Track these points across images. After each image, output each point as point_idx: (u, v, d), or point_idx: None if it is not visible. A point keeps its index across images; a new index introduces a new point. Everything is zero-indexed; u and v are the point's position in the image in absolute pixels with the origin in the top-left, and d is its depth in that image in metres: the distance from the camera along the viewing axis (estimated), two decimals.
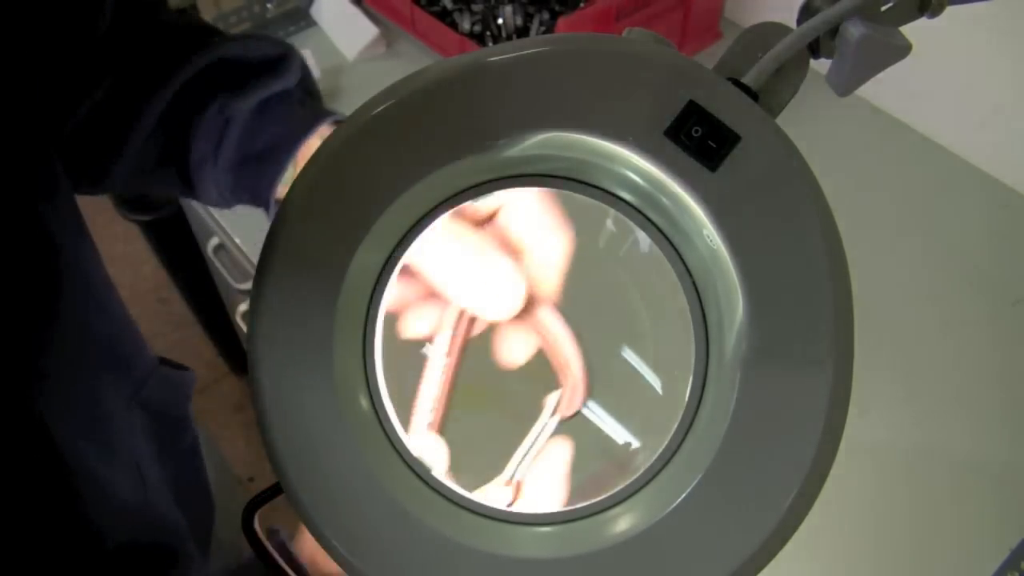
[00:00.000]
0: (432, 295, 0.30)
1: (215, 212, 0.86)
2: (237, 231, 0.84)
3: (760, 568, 0.25)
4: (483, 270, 0.28)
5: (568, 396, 0.28)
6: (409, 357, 0.30)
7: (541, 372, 0.29)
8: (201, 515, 0.55)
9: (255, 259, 0.38)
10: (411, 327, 0.29)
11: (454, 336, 0.28)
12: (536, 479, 0.28)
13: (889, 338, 0.70)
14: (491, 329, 0.29)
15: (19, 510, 0.34)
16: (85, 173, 0.44)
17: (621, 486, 0.27)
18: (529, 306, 0.28)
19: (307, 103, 0.47)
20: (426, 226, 0.27)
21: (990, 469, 0.64)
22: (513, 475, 0.28)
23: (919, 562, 0.60)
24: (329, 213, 0.26)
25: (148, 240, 1.22)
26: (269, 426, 0.26)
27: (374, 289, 0.27)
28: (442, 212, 0.27)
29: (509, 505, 0.28)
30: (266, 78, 0.45)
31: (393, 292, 0.28)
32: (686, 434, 0.26)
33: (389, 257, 0.27)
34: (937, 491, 0.63)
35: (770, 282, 0.24)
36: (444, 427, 0.29)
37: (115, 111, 0.42)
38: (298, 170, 0.35)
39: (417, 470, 0.27)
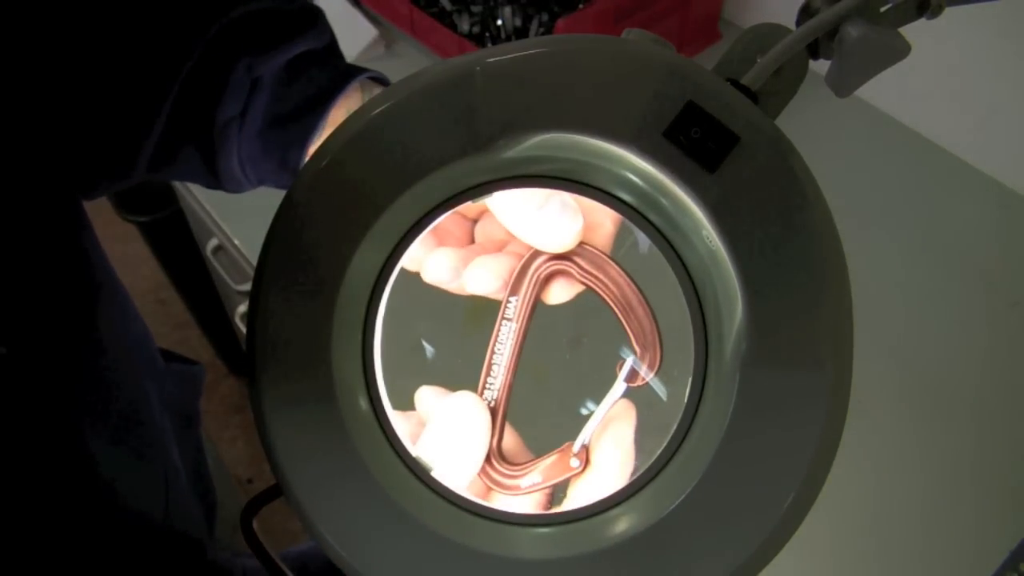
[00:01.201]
0: (498, 248, 0.30)
1: (215, 213, 0.86)
2: (236, 232, 0.84)
3: (759, 569, 0.25)
4: (543, 203, 0.28)
5: (646, 359, 0.28)
6: (409, 357, 0.30)
7: (606, 341, 0.29)
8: (206, 510, 0.55)
9: (254, 260, 0.38)
10: (477, 280, 0.29)
11: (523, 300, 0.28)
12: (606, 447, 0.27)
13: (889, 338, 0.70)
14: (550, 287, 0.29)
15: (57, 522, 0.35)
16: (116, 152, 0.42)
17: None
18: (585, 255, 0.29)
19: (337, 62, 0.44)
20: (426, 226, 0.27)
21: (989, 469, 0.63)
22: (584, 443, 0.28)
23: (919, 563, 0.60)
24: (329, 214, 0.26)
25: (147, 241, 1.23)
26: (268, 427, 0.26)
27: (374, 289, 0.27)
28: (441, 213, 0.27)
29: (579, 475, 0.28)
30: (295, 35, 0.42)
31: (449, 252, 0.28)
32: (685, 435, 0.26)
33: (389, 257, 0.27)
34: (936, 492, 0.63)
35: (769, 283, 0.24)
36: (511, 394, 0.29)
37: (143, 76, 0.40)
38: (330, 130, 0.34)
39: (416, 471, 0.27)
